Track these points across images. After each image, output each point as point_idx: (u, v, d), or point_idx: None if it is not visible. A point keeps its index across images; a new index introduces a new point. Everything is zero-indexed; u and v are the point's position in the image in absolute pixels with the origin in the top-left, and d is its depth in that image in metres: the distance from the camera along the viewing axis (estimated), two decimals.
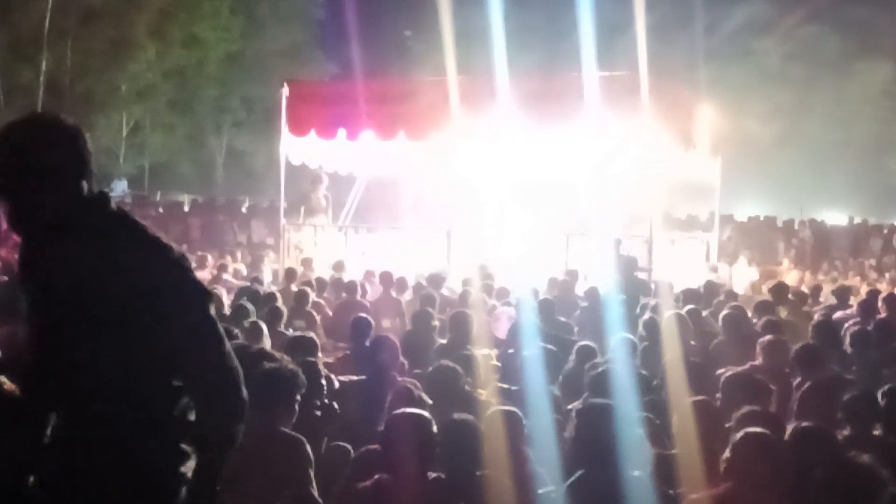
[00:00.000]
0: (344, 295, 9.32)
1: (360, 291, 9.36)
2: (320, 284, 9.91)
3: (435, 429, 3.53)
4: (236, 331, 5.94)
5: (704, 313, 7.98)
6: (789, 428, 4.02)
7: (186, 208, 25.19)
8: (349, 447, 4.30)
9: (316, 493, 3.72)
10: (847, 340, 6.63)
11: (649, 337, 6.63)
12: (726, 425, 4.10)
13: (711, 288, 9.62)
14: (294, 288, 9.30)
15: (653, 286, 9.49)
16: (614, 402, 3.95)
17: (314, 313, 8.31)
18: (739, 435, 3.58)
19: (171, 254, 2.32)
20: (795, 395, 5.52)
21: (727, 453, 3.56)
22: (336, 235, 13.42)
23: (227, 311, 7.83)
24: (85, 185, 2.29)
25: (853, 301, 9.54)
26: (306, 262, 11.73)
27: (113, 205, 2.33)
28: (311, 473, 3.73)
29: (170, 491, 2.30)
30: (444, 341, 6.55)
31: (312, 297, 8.74)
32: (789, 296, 9.24)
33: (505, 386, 5.14)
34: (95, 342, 2.22)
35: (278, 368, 3.90)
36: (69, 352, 2.25)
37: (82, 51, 26.84)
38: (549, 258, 11.52)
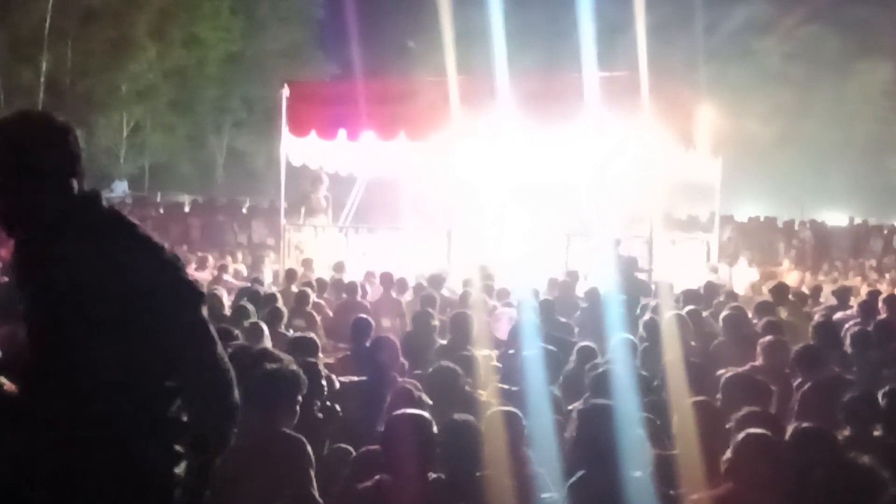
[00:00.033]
0: (344, 295, 9.32)
1: (360, 292, 9.36)
2: (321, 285, 9.90)
3: (435, 429, 3.53)
4: (237, 331, 5.95)
5: (705, 314, 7.98)
6: (790, 428, 4.01)
7: (187, 209, 25.19)
8: (351, 449, 4.30)
9: (317, 494, 3.72)
10: (847, 341, 6.63)
11: (650, 337, 6.63)
12: (726, 426, 4.11)
13: (712, 288, 9.62)
14: (294, 288, 9.30)
15: (653, 287, 9.48)
16: (615, 402, 3.95)
17: (314, 314, 8.31)
18: (741, 436, 3.58)
19: (164, 253, 2.31)
20: (796, 395, 5.52)
21: (728, 454, 3.56)
22: (336, 236, 13.42)
23: (227, 311, 7.85)
24: (76, 183, 2.28)
25: (853, 302, 9.54)
26: (307, 263, 11.72)
27: (104, 202, 2.32)
28: (312, 474, 3.73)
29: (168, 491, 2.30)
30: (444, 342, 6.55)
31: (313, 297, 8.74)
32: (790, 296, 9.24)
33: (505, 386, 5.14)
34: (93, 342, 2.22)
35: (279, 369, 3.90)
36: (68, 352, 2.25)
37: (82, 51, 26.87)
38: (550, 259, 11.52)
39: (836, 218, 25.81)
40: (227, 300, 8.74)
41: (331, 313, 8.89)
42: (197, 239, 20.68)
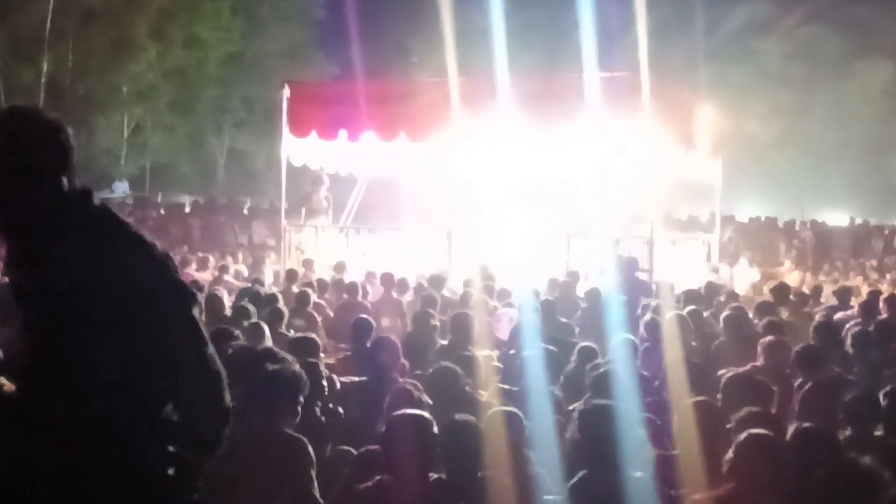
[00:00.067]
0: (345, 296, 9.32)
1: (360, 292, 9.36)
2: (321, 285, 9.91)
3: (436, 429, 3.53)
4: (237, 332, 5.95)
5: (705, 314, 7.98)
6: (790, 429, 4.01)
7: (187, 209, 25.17)
8: (353, 450, 4.30)
9: (317, 494, 3.72)
10: (848, 341, 6.63)
11: (650, 338, 6.63)
12: (727, 426, 4.11)
13: (712, 289, 9.62)
14: (295, 289, 9.30)
15: (654, 287, 9.48)
16: (616, 403, 3.95)
17: (315, 314, 8.31)
18: (743, 436, 3.57)
19: (156, 252, 2.28)
20: (796, 395, 5.52)
21: (730, 454, 3.56)
22: (337, 236, 13.43)
23: (228, 312, 7.85)
24: (66, 180, 2.25)
25: (854, 302, 9.54)
26: (307, 264, 11.73)
27: (96, 200, 2.29)
28: (313, 474, 3.73)
29: (168, 491, 2.29)
30: (445, 342, 6.55)
31: (313, 298, 8.74)
32: (790, 296, 9.24)
33: (506, 387, 5.14)
34: (87, 342, 2.20)
35: (281, 370, 3.90)
36: (63, 351, 2.23)
37: (83, 51, 26.87)
38: (550, 259, 11.52)
39: (837, 218, 25.79)
40: (227, 301, 8.74)
41: (331, 314, 8.89)
42: (197, 239, 20.68)
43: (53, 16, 25.45)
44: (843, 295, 9.63)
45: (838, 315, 8.57)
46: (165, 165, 31.84)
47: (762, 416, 4.17)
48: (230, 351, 5.05)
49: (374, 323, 6.61)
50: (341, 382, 5.28)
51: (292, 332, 7.14)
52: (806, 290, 11.49)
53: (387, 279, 9.66)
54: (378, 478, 3.41)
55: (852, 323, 7.73)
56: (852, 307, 9.11)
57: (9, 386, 2.44)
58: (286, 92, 12.20)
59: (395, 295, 9.49)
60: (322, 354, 5.69)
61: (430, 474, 3.43)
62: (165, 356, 2.25)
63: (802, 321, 8.19)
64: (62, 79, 26.56)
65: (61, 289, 2.20)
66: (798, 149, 29.47)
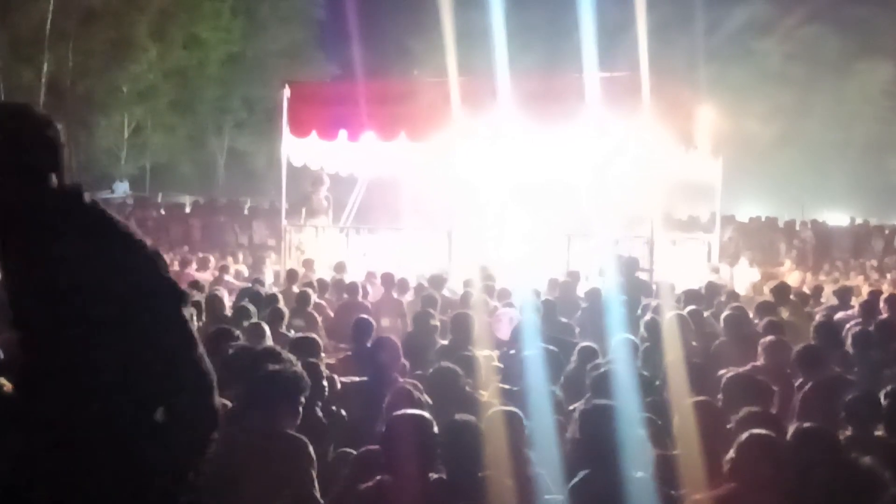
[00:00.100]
0: (345, 296, 9.32)
1: (361, 292, 9.36)
2: (321, 285, 9.91)
3: (436, 430, 3.53)
4: (237, 332, 5.95)
5: (706, 314, 7.98)
6: (791, 429, 4.01)
7: (188, 209, 25.19)
8: (354, 452, 4.30)
9: (318, 494, 3.72)
10: (848, 341, 6.63)
11: (651, 338, 6.62)
12: (727, 426, 4.11)
13: (713, 289, 9.61)
14: (295, 289, 9.30)
15: (654, 287, 9.48)
16: (616, 403, 3.95)
17: (315, 314, 8.31)
18: (744, 436, 3.57)
19: (146, 250, 2.24)
20: (797, 395, 5.52)
21: (731, 454, 3.56)
22: (337, 236, 13.43)
23: (228, 312, 7.85)
24: (55, 178, 2.22)
25: (854, 302, 9.54)
26: (308, 264, 11.73)
27: (87, 198, 2.25)
28: (314, 474, 3.73)
29: (167, 492, 2.28)
30: (445, 342, 6.55)
31: (314, 298, 8.74)
32: (791, 296, 9.23)
33: (506, 387, 5.14)
34: (78, 342, 2.17)
35: (282, 370, 3.89)
36: (56, 351, 2.20)
37: (83, 51, 26.89)
38: (550, 259, 11.52)
39: (837, 218, 25.79)
40: (227, 301, 8.74)
41: (332, 314, 8.90)
42: (198, 240, 20.71)
43: (53, 16, 25.47)
44: (844, 295, 9.63)
45: (839, 315, 8.57)
46: (166, 165, 31.87)
47: (762, 416, 4.16)
48: (230, 351, 5.05)
49: (374, 323, 6.60)
50: (342, 382, 5.28)
51: (292, 332, 7.14)
52: (806, 289, 11.49)
53: (387, 279, 9.65)
54: (378, 478, 3.41)
55: (853, 323, 7.72)
56: (853, 307, 9.11)
57: (8, 386, 2.44)
58: (286, 92, 12.21)
59: (395, 295, 9.49)
60: (322, 354, 5.68)
61: (431, 474, 3.43)
62: (156, 356, 2.21)
63: (803, 321, 8.19)
64: (62, 79, 26.58)
65: (50, 288, 2.16)
66: (798, 149, 29.49)
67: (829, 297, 10.66)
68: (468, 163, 12.47)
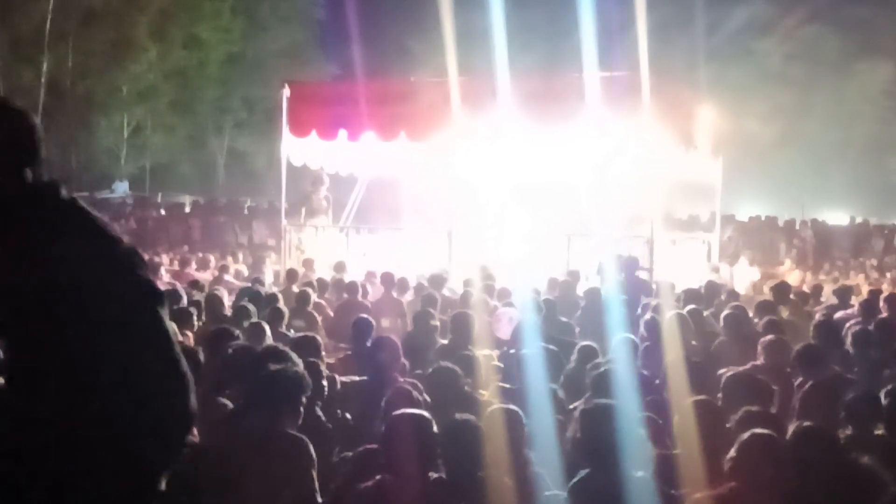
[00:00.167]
0: (345, 296, 9.31)
1: (361, 292, 9.36)
2: (321, 285, 9.91)
3: (435, 429, 3.53)
4: (237, 331, 5.95)
5: (706, 313, 7.98)
6: (791, 428, 4.01)
7: (188, 209, 25.19)
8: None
9: (318, 494, 3.72)
10: (848, 340, 6.62)
11: (651, 337, 6.63)
12: (727, 425, 4.11)
13: (713, 288, 9.61)
14: (295, 289, 9.30)
15: (654, 286, 9.48)
16: (616, 402, 3.95)
17: (315, 314, 8.31)
18: (746, 435, 3.57)
19: (122, 248, 2.18)
20: (797, 395, 5.52)
21: (732, 453, 3.56)
22: (337, 236, 13.43)
23: (228, 312, 7.86)
24: (30, 172, 2.17)
25: (854, 301, 9.54)
26: (307, 263, 11.73)
27: (63, 193, 2.19)
28: (314, 473, 3.73)
29: (134, 496, 2.25)
30: (445, 342, 6.55)
31: (314, 297, 8.73)
32: (790, 296, 9.23)
33: (507, 386, 5.14)
34: (53, 340, 2.13)
35: (283, 370, 3.89)
36: (30, 350, 2.16)
37: (83, 52, 26.90)
38: (550, 259, 11.53)
39: (837, 217, 25.78)
40: (227, 300, 8.75)
41: (331, 313, 8.89)
42: (198, 239, 20.71)
43: (53, 16, 25.47)
44: (844, 294, 9.63)
45: (838, 314, 8.57)
46: (165, 165, 31.88)
47: (762, 415, 4.17)
48: (230, 351, 5.05)
49: (374, 323, 6.60)
50: (341, 382, 5.28)
51: (292, 331, 7.14)
52: (806, 289, 11.49)
53: (387, 279, 9.65)
54: (378, 477, 3.41)
55: (852, 322, 7.72)
56: (852, 306, 9.11)
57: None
58: (286, 92, 12.21)
59: (395, 295, 9.49)
60: (322, 354, 5.69)
61: (430, 474, 3.43)
62: (129, 357, 2.15)
63: (803, 320, 8.19)
64: (62, 79, 26.57)
65: (22, 284, 2.11)
66: (798, 149, 29.50)
67: (828, 297, 10.66)
68: (468, 163, 12.48)
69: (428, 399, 4.50)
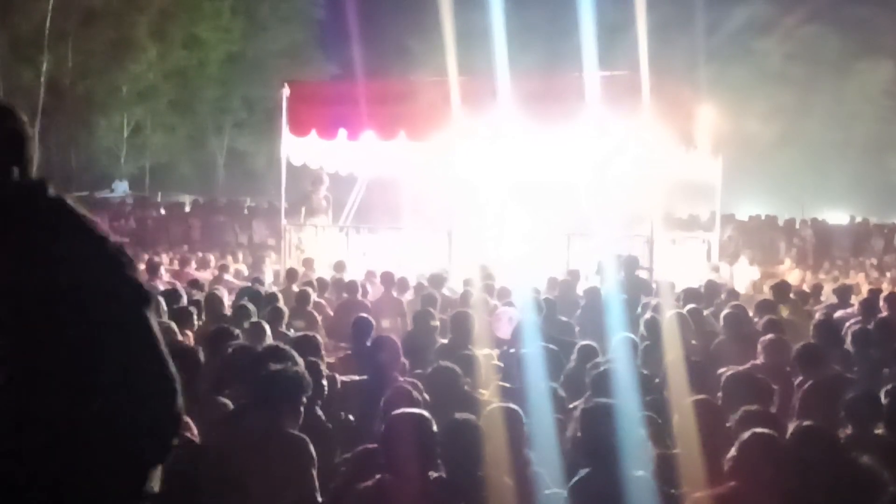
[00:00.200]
0: (345, 295, 9.31)
1: (361, 292, 9.36)
2: (321, 285, 9.90)
3: (435, 429, 3.53)
4: (237, 331, 5.95)
5: (706, 313, 7.98)
6: (791, 427, 4.01)
7: (187, 209, 25.19)
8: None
9: (318, 494, 3.72)
10: (848, 339, 6.63)
11: (650, 336, 6.62)
12: (727, 425, 4.10)
13: (712, 287, 9.61)
14: (295, 288, 9.30)
15: (654, 286, 9.48)
16: (616, 401, 3.95)
17: (315, 313, 8.31)
18: (746, 435, 3.57)
19: (109, 247, 2.15)
20: (797, 394, 5.52)
21: (733, 452, 3.56)
22: (337, 236, 13.43)
23: (228, 311, 7.86)
24: (17, 170, 2.14)
25: (854, 300, 9.54)
26: (307, 263, 11.73)
27: (51, 191, 2.16)
28: (314, 473, 3.73)
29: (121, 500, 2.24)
30: (445, 341, 6.55)
31: (314, 297, 8.73)
32: (790, 295, 9.23)
33: (507, 385, 5.14)
34: (35, 340, 2.10)
35: (284, 370, 3.89)
36: (25, 351, 2.13)
37: (83, 51, 26.89)
38: (550, 258, 11.53)
39: (837, 217, 25.79)
40: (227, 300, 8.75)
41: (331, 313, 8.89)
42: (198, 239, 20.71)
43: (53, 16, 25.45)
44: (844, 293, 9.63)
45: (838, 313, 8.57)
46: (165, 165, 31.88)
47: (762, 414, 4.17)
48: (230, 350, 5.05)
49: (374, 322, 6.61)
50: (341, 382, 5.28)
51: (292, 331, 7.14)
52: (806, 288, 11.50)
53: (387, 278, 9.65)
54: (378, 477, 3.41)
55: (852, 321, 7.72)
56: (852, 305, 9.11)
57: None
58: (286, 92, 12.21)
59: (395, 294, 9.49)
60: (322, 353, 5.69)
61: (430, 473, 3.42)
62: (116, 358, 2.14)
63: (802, 319, 8.20)
64: (62, 79, 26.57)
65: (7, 284, 2.09)
66: (798, 148, 29.49)
67: (828, 296, 10.66)
68: (468, 162, 12.47)
69: (428, 398, 4.50)
